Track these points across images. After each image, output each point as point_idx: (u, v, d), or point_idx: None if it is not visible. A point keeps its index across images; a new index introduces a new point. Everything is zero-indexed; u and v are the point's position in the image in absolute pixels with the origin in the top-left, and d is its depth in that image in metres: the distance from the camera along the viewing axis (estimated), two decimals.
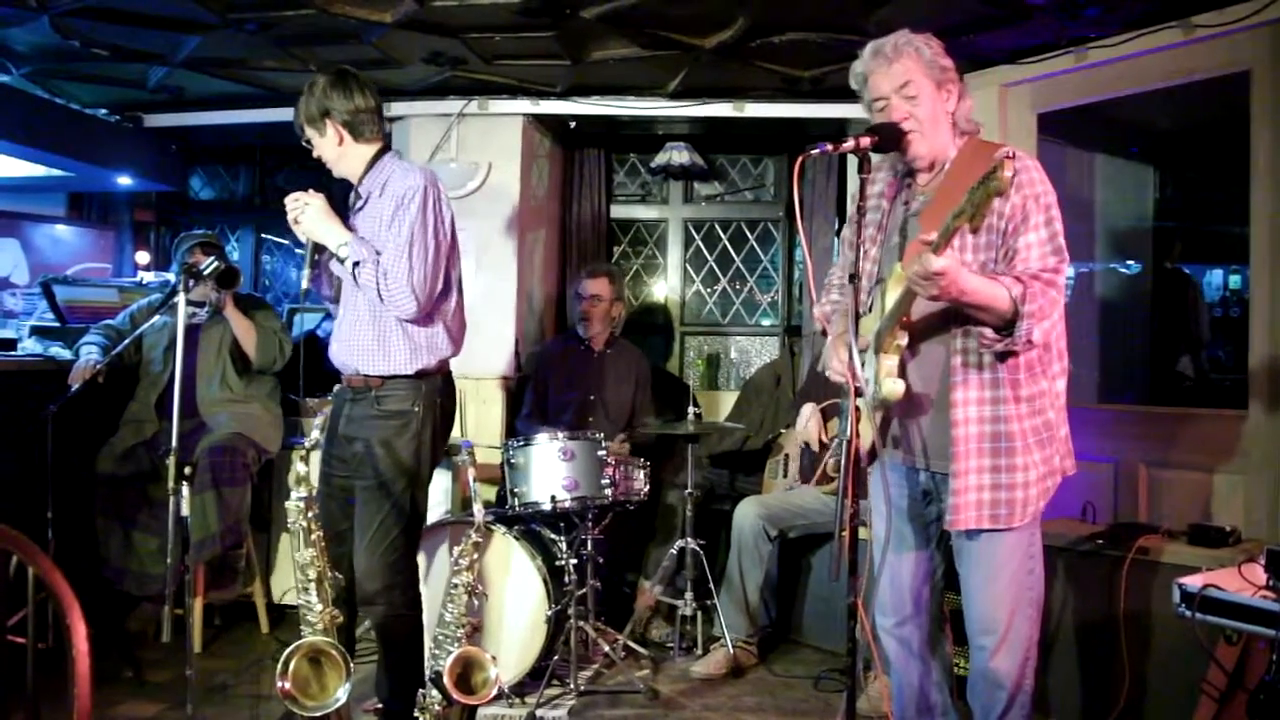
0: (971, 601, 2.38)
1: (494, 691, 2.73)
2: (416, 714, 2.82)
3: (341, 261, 2.79)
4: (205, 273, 3.42)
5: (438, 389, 2.89)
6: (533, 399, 4.67)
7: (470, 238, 4.93)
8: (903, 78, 2.30)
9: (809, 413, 4.14)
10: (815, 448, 4.11)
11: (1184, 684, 2.77)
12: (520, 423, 4.63)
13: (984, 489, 2.26)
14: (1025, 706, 2.36)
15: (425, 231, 2.75)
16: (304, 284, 2.83)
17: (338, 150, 2.87)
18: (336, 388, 2.98)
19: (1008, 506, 2.25)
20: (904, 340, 2.29)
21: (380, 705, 2.97)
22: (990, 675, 2.35)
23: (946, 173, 2.33)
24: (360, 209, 2.89)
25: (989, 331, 2.17)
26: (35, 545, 1.78)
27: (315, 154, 2.92)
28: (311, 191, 2.83)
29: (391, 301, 2.73)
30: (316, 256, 2.85)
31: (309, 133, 2.88)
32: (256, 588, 4.29)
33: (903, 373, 2.32)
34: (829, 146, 2.23)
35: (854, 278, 2.22)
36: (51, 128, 4.69)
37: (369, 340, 2.83)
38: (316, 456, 2.70)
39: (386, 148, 2.93)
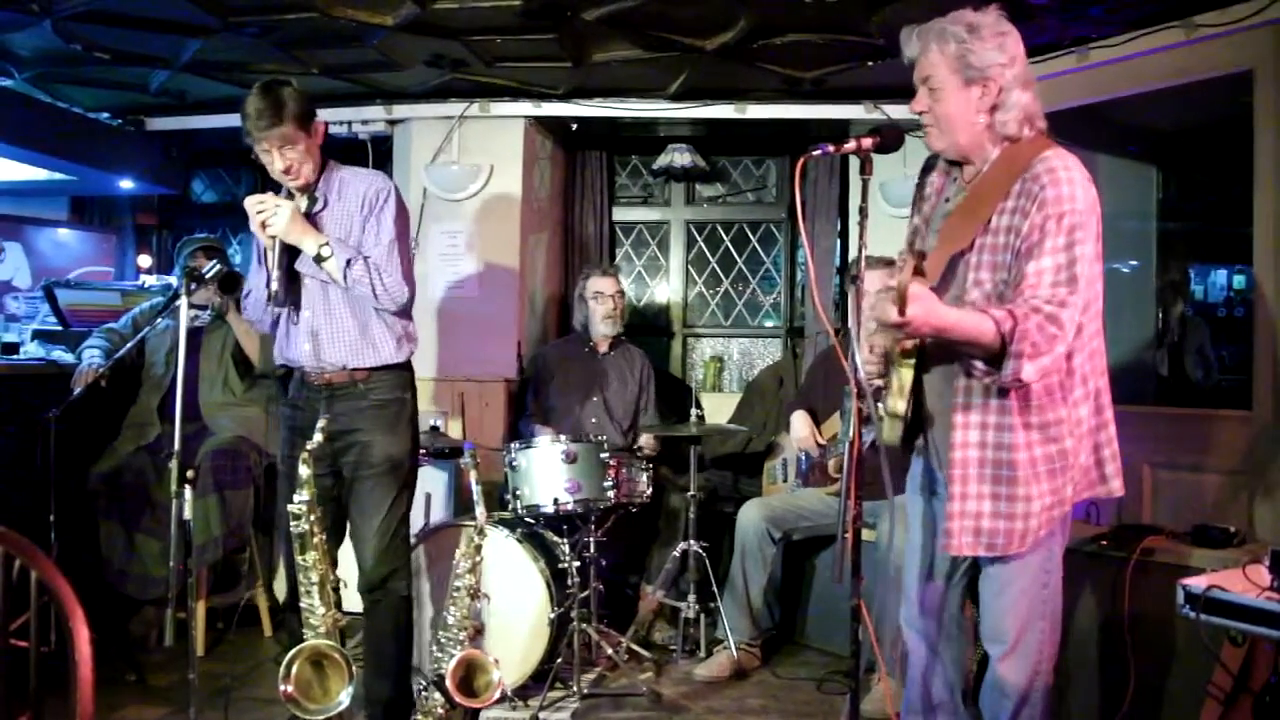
0: (984, 610, 2.37)
1: (496, 694, 2.74)
2: (419, 716, 2.82)
3: (319, 261, 2.79)
4: (207, 276, 3.41)
5: (411, 379, 3.04)
6: (533, 401, 4.67)
7: (472, 240, 4.93)
8: (926, 70, 2.23)
9: (800, 420, 4.15)
10: (814, 453, 4.11)
11: (1189, 686, 2.76)
12: (521, 424, 4.63)
13: (982, 516, 2.20)
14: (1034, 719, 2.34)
15: (396, 227, 2.89)
16: (274, 285, 2.81)
17: (315, 151, 2.87)
18: (294, 390, 3.02)
19: (1005, 536, 2.20)
20: (910, 355, 2.26)
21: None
22: (998, 683, 2.34)
23: (980, 176, 2.25)
24: (319, 212, 2.89)
25: (980, 364, 2.11)
26: (38, 548, 1.77)
27: (291, 159, 2.81)
28: (276, 196, 2.82)
29: (387, 295, 2.82)
30: (282, 259, 2.84)
31: (296, 133, 2.78)
32: (259, 591, 4.28)
33: (919, 385, 2.29)
34: (830, 148, 2.21)
35: (854, 279, 2.21)
36: (54, 131, 4.70)
37: (354, 335, 2.89)
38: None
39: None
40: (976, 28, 2.16)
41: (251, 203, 2.79)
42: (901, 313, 1.96)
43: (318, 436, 2.63)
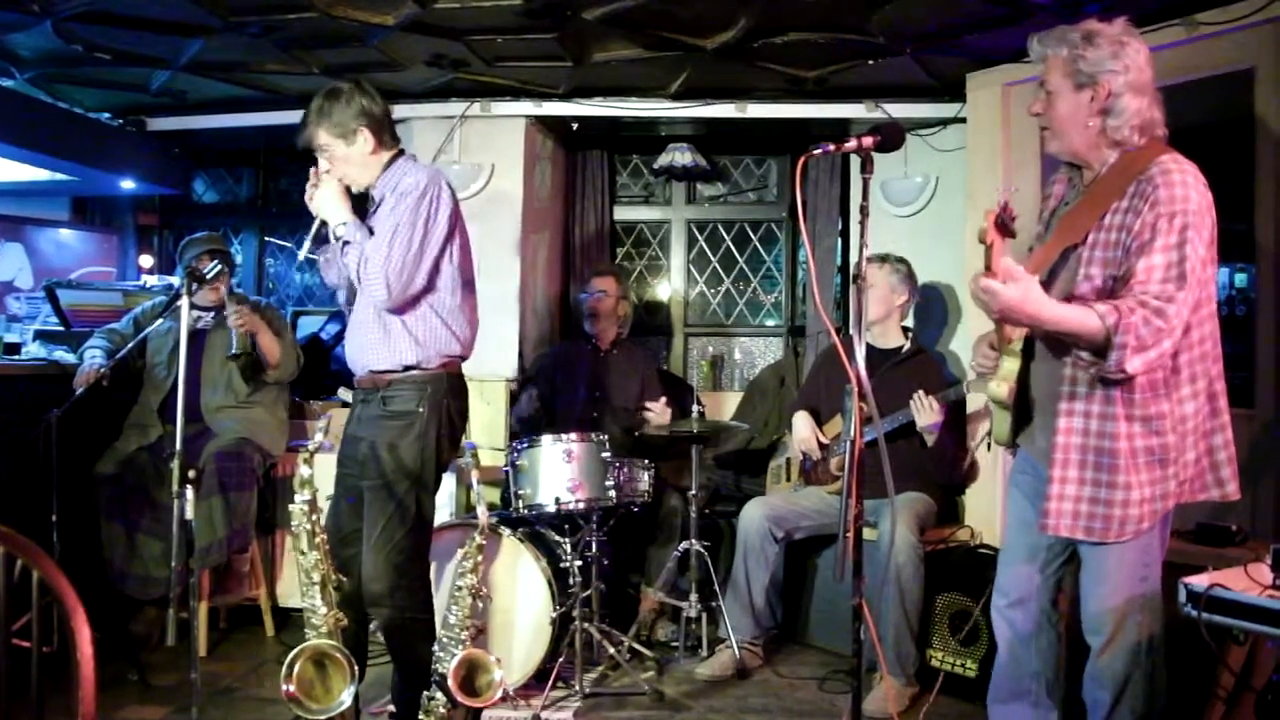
0: (1084, 601, 2.42)
1: (499, 694, 2.73)
2: (421, 716, 2.81)
3: (336, 240, 2.82)
4: (209, 276, 3.42)
5: (445, 390, 2.89)
6: (529, 396, 4.69)
7: (473, 239, 4.89)
8: (1044, 72, 2.32)
9: (802, 421, 4.15)
10: (816, 455, 4.11)
11: (1191, 684, 2.76)
12: (515, 421, 4.66)
13: (1081, 500, 2.27)
14: (1135, 711, 2.36)
15: (413, 225, 2.78)
16: (301, 254, 2.85)
17: (368, 158, 2.87)
18: (349, 391, 3.02)
19: (1104, 521, 2.25)
20: (1016, 344, 2.34)
21: (392, 708, 2.98)
22: (1096, 674, 2.39)
23: (1097, 179, 2.31)
24: (375, 211, 2.91)
25: (1085, 355, 2.18)
26: (40, 549, 1.78)
27: (333, 165, 2.86)
28: (330, 174, 2.87)
29: (365, 285, 2.77)
30: (322, 230, 2.87)
31: (331, 140, 2.84)
32: (261, 591, 4.29)
33: (1026, 374, 2.39)
34: (831, 147, 2.23)
35: (856, 278, 2.22)
36: (55, 132, 4.70)
37: (375, 336, 2.87)
38: (320, 459, 2.70)
39: (400, 152, 2.96)
40: (1093, 35, 2.23)
41: (315, 169, 2.86)
42: (989, 270, 2.06)
43: (318, 437, 2.63)
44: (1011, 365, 2.37)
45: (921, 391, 3.78)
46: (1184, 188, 2.14)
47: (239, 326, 3.96)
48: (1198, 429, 2.28)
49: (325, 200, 2.83)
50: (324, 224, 2.85)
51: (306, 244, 2.85)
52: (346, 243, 2.78)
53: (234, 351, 3.98)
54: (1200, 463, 2.31)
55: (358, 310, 2.94)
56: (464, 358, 2.99)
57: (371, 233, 2.83)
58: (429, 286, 2.87)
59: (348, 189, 2.90)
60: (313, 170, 2.87)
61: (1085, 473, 2.26)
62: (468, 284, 2.99)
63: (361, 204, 2.94)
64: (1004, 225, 2.14)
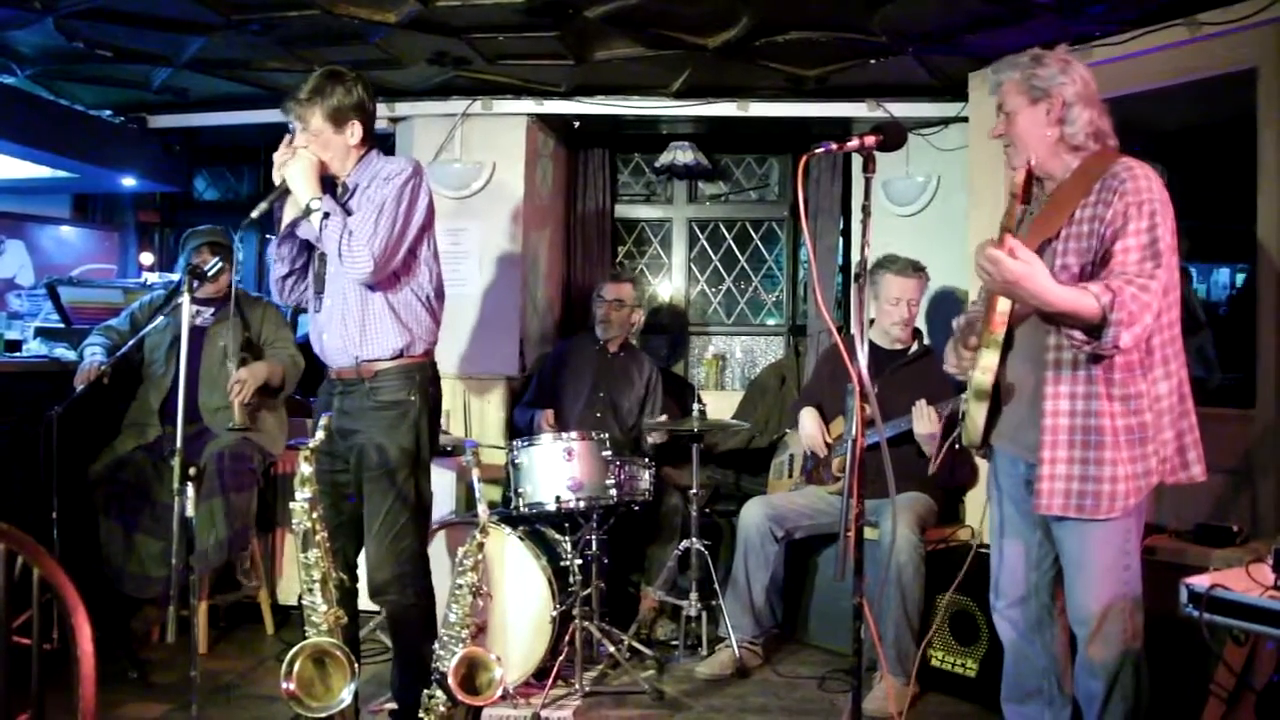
0: (1068, 592, 2.48)
1: (499, 692, 2.73)
2: (421, 714, 2.81)
3: (308, 215, 2.79)
4: (210, 274, 3.42)
5: (428, 378, 2.95)
6: (536, 389, 4.68)
7: (474, 237, 4.93)
8: (1001, 97, 2.47)
9: (809, 418, 4.14)
10: (823, 453, 4.10)
11: (1191, 684, 2.76)
12: (518, 410, 4.66)
13: (1072, 479, 2.34)
14: (1127, 700, 2.40)
15: (398, 205, 2.80)
16: (254, 214, 2.80)
17: (350, 150, 2.88)
18: (322, 386, 3.02)
19: (1094, 498, 2.32)
20: (1000, 335, 2.38)
21: (392, 705, 2.98)
22: (1086, 665, 2.44)
23: (1057, 185, 2.43)
24: (348, 200, 2.89)
25: (1078, 334, 2.24)
26: (40, 546, 1.78)
27: (311, 147, 2.84)
28: (307, 150, 2.85)
29: (349, 259, 2.75)
30: (277, 201, 2.86)
31: (323, 124, 2.83)
32: (261, 589, 4.28)
33: (1005, 366, 2.43)
34: (833, 146, 2.26)
35: (858, 277, 2.23)
36: (56, 129, 4.70)
37: (359, 324, 2.86)
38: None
39: (373, 146, 2.97)
40: (1040, 56, 2.43)
41: (286, 142, 2.84)
42: (1000, 246, 2.15)
43: (319, 434, 2.63)
44: (991, 358, 2.40)
45: (922, 401, 3.74)
46: (1147, 180, 2.29)
47: (240, 400, 4.00)
48: (1172, 409, 2.37)
49: (298, 174, 2.80)
50: (285, 194, 2.84)
51: (262, 206, 2.81)
52: (326, 215, 2.77)
53: (234, 425, 4.02)
54: (1175, 443, 2.39)
55: (334, 301, 2.91)
56: (435, 344, 3.02)
57: (349, 214, 2.83)
58: (410, 270, 2.89)
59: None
60: (287, 142, 2.84)
61: (1074, 452, 2.33)
62: (440, 281, 3.00)
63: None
64: (1029, 186, 2.23)
